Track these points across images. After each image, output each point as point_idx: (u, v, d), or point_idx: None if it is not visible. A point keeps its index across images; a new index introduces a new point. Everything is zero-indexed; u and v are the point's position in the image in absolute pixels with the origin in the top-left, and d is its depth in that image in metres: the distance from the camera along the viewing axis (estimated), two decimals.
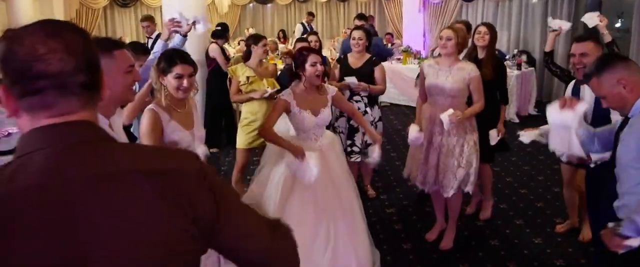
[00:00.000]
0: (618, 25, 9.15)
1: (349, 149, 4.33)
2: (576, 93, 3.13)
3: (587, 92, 2.93)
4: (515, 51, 8.74)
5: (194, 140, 2.57)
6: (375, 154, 3.34)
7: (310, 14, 11.42)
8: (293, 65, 3.21)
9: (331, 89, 3.29)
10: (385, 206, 4.46)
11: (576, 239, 3.71)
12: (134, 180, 0.87)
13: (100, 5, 12.50)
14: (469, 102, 3.50)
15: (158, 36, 5.67)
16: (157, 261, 0.87)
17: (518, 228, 4.01)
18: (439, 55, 3.60)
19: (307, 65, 3.07)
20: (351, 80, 4.19)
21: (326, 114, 3.18)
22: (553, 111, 2.31)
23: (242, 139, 4.13)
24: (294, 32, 11.40)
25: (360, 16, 7.29)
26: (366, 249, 3.12)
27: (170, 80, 2.45)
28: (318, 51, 3.21)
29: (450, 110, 3.25)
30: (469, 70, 3.41)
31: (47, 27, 0.88)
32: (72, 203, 0.81)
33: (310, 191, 3.01)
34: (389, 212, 4.33)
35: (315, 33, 6.13)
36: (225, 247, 1.01)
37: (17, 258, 0.78)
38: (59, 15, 11.59)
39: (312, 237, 2.96)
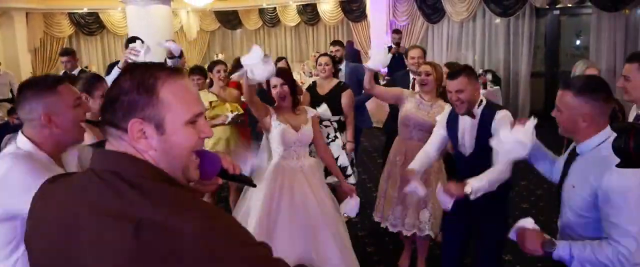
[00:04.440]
0: (578, 43, 9.47)
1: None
2: (453, 120, 2.83)
3: (467, 121, 2.74)
4: (481, 71, 8.93)
5: None
6: (349, 206, 3.12)
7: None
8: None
9: (310, 111, 3.26)
10: (357, 229, 4.42)
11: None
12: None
13: (66, 34, 12.30)
14: None
15: (81, 72, 5.75)
16: None
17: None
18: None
19: (271, 88, 3.09)
20: (322, 111, 3.70)
21: (307, 130, 3.12)
22: (502, 134, 2.11)
23: None
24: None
25: (335, 42, 5.87)
26: (351, 254, 3.06)
27: None
28: (283, 73, 3.16)
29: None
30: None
31: None
32: None
33: (295, 208, 2.97)
34: (361, 235, 4.30)
35: (284, 58, 6.15)
36: None
37: None
38: (22, 44, 11.35)
39: (296, 247, 2.91)
